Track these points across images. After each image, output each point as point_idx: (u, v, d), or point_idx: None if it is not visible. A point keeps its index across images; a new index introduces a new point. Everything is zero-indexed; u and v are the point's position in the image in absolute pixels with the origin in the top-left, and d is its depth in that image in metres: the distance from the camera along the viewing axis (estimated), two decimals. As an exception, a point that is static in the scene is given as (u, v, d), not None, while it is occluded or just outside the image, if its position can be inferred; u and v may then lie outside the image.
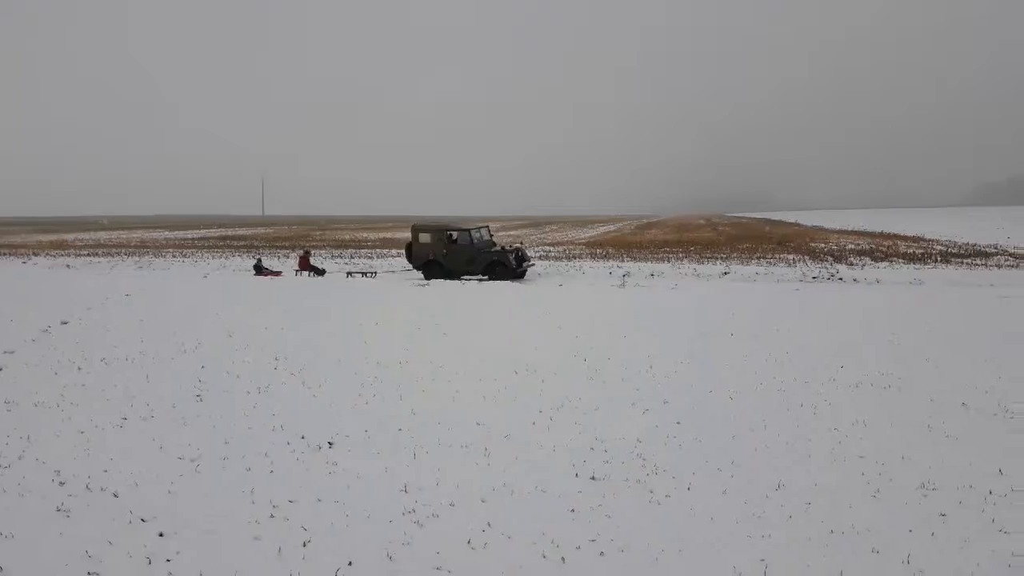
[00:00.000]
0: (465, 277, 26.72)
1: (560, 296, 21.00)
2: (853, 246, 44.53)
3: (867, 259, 34.36)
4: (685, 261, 35.49)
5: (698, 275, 28.32)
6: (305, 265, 29.43)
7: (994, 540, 5.47)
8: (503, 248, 27.55)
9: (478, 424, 8.23)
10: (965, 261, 32.92)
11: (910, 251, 39.50)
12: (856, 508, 6.01)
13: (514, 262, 26.49)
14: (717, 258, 37.05)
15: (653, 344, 13.03)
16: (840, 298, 20.31)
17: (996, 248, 40.83)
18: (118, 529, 5.59)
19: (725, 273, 29.01)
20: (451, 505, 6.05)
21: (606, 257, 38.98)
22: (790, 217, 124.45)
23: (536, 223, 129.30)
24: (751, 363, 11.42)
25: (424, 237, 26.88)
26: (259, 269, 29.51)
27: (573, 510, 5.96)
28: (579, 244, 53.96)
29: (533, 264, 29.55)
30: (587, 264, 34.55)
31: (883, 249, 41.31)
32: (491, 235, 28.50)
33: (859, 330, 14.67)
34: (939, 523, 5.76)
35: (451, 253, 26.54)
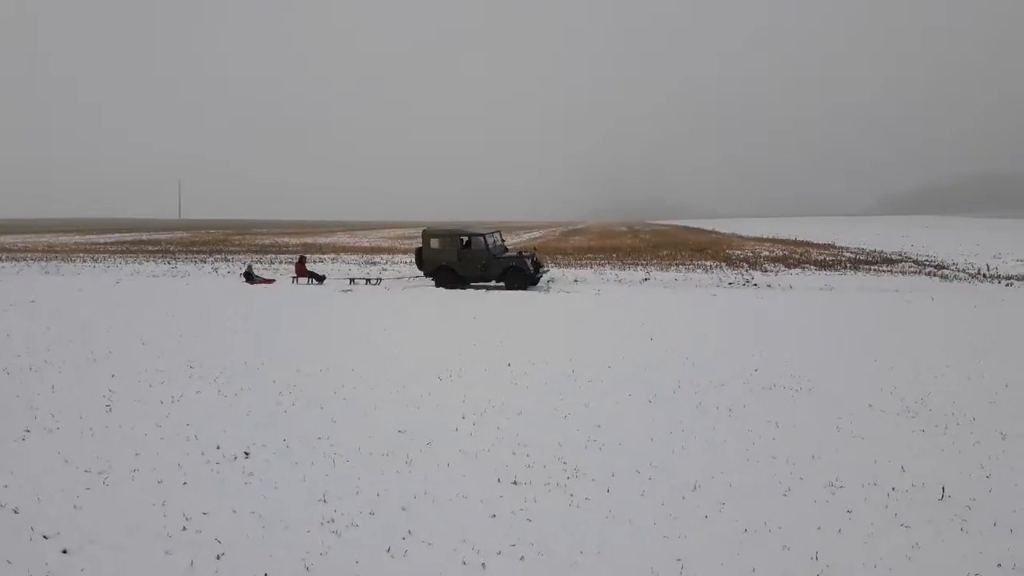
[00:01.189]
0: (473, 284, 25.73)
1: (485, 301, 21.02)
2: (767, 253, 45.95)
3: (781, 266, 35.50)
4: (607, 267, 35.99)
5: (620, 281, 28.75)
6: (303, 271, 28.02)
7: (897, 535, 5.72)
8: (519, 253, 26.54)
9: (400, 432, 8.17)
10: (872, 267, 34.37)
11: (821, 258, 41.01)
12: (768, 507, 6.21)
13: (531, 268, 25.56)
14: (638, 264, 37.69)
15: (575, 349, 13.17)
16: (755, 304, 20.93)
17: (901, 255, 42.77)
18: (18, 546, 5.33)
19: (645, 279, 29.54)
20: (371, 514, 5.98)
21: (530, 263, 39.17)
22: (708, 225, 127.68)
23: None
24: (670, 367, 11.66)
25: (436, 242, 25.64)
26: (250, 277, 27.50)
27: (494, 515, 5.97)
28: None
29: (548, 271, 28.03)
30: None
31: (796, 256, 42.77)
32: (503, 240, 27.45)
33: (772, 334, 15.15)
34: (846, 520, 5.99)
35: (465, 259, 25.36)
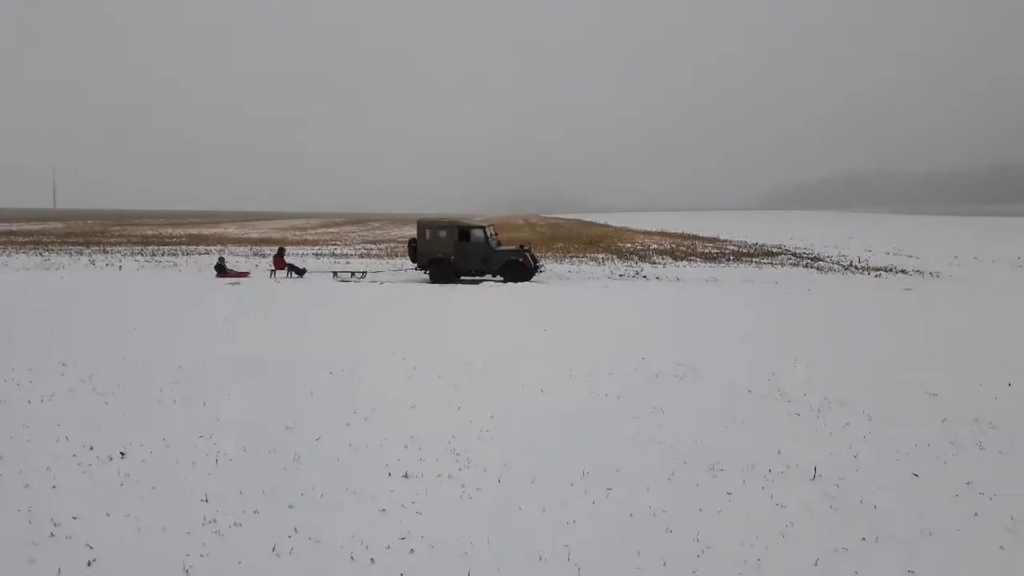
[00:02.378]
0: (466, 278, 24.94)
1: (379, 294, 20.77)
2: (656, 246, 47.32)
3: (669, 258, 36.63)
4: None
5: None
6: (281, 264, 26.32)
7: (773, 514, 6.00)
8: (520, 247, 25.90)
9: (288, 428, 7.97)
10: (755, 260, 35.93)
11: (707, 251, 42.56)
12: (653, 491, 6.39)
13: (531, 262, 25.00)
14: (534, 257, 38.09)
15: (470, 340, 13.18)
16: (644, 295, 21.52)
17: (781, 248, 44.87)
18: None
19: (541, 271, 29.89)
20: (256, 512, 5.81)
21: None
22: (601, 219, 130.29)
23: (359, 220, 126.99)
24: (561, 356, 11.83)
25: (432, 234, 24.73)
26: (221, 270, 25.95)
27: (384, 510, 5.91)
28: (402, 242, 53.58)
29: (543, 268, 27.06)
30: (409, 262, 34.38)
31: (683, 249, 44.23)
32: (496, 234, 26.61)
33: (660, 324, 15.62)
34: (726, 501, 6.24)
35: (463, 252, 24.56)
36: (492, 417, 8.45)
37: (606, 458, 7.17)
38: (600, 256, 38.11)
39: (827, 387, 10.08)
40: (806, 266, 32.52)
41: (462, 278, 24.95)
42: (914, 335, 14.55)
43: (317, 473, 6.68)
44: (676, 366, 11.28)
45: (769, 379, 10.53)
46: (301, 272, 26.22)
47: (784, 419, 8.63)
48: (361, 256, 38.08)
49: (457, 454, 7.22)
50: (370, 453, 7.23)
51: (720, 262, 34.63)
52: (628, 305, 18.91)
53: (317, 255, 37.79)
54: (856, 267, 32.11)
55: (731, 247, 45.92)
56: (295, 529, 5.52)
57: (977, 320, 16.97)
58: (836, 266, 32.59)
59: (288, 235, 64.13)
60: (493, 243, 25.11)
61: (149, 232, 66.03)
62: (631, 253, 40.56)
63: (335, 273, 26.41)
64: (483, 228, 25.10)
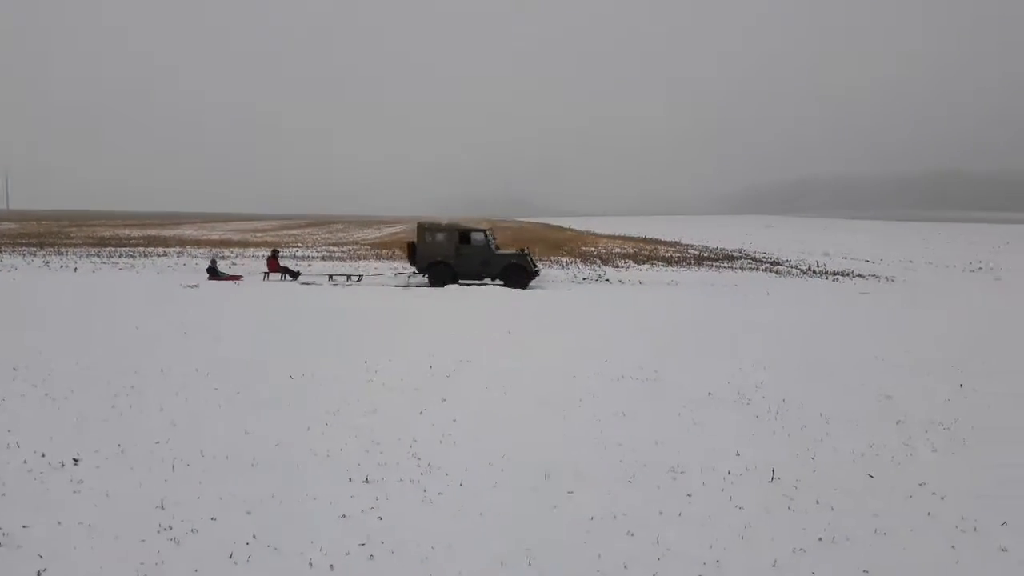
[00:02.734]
0: (463, 281, 24.70)
1: (342, 296, 20.59)
2: (619, 250, 47.62)
3: (631, 262, 36.90)
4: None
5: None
6: (275, 267, 25.90)
7: (732, 516, 6.06)
8: (522, 251, 25.70)
9: (246, 433, 7.85)
10: (715, 264, 36.35)
11: (669, 255, 42.96)
12: (614, 494, 6.43)
13: (532, 265, 24.86)
14: (498, 260, 38.09)
15: (433, 344, 13.12)
16: (606, 298, 21.64)
17: (741, 252, 45.47)
18: None
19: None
20: (212, 519, 5.72)
21: (391, 258, 38.78)
22: (565, 222, 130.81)
23: (321, 222, 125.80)
24: (525, 360, 11.84)
25: (432, 236, 24.56)
26: (213, 272, 25.32)
27: (344, 516, 5.85)
28: (364, 245, 53.23)
29: (539, 272, 26.64)
30: (372, 264, 34.17)
31: (646, 253, 44.57)
32: (495, 237, 26.41)
33: (622, 327, 15.71)
34: (686, 503, 6.30)
35: (464, 255, 24.45)
36: (455, 421, 8.43)
37: (568, 461, 7.18)
38: (564, 260, 38.25)
39: (785, 390, 10.22)
40: (765, 270, 33.00)
41: (459, 281, 24.80)
42: (870, 338, 14.83)
43: (276, 479, 6.59)
44: (638, 369, 11.36)
45: (729, 382, 10.65)
46: (295, 275, 25.93)
47: (743, 421, 8.74)
48: (323, 259, 37.75)
49: (419, 458, 7.19)
50: (330, 458, 7.16)
51: (681, 266, 34.97)
52: (591, 308, 19.00)
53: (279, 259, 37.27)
54: (814, 271, 32.66)
55: (692, 251, 46.40)
56: (253, 536, 5.44)
57: (930, 323, 17.36)
58: (794, 270, 33.11)
59: (248, 237, 63.32)
60: (493, 247, 25.05)
61: (107, 233, 64.72)
62: (594, 257, 40.78)
63: (331, 276, 26.16)
64: (484, 231, 25.07)
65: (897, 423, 8.76)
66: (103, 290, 21.33)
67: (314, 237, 66.83)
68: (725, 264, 36.27)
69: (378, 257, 39.95)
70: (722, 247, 51.13)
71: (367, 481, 6.58)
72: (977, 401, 9.84)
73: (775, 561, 5.28)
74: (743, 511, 6.16)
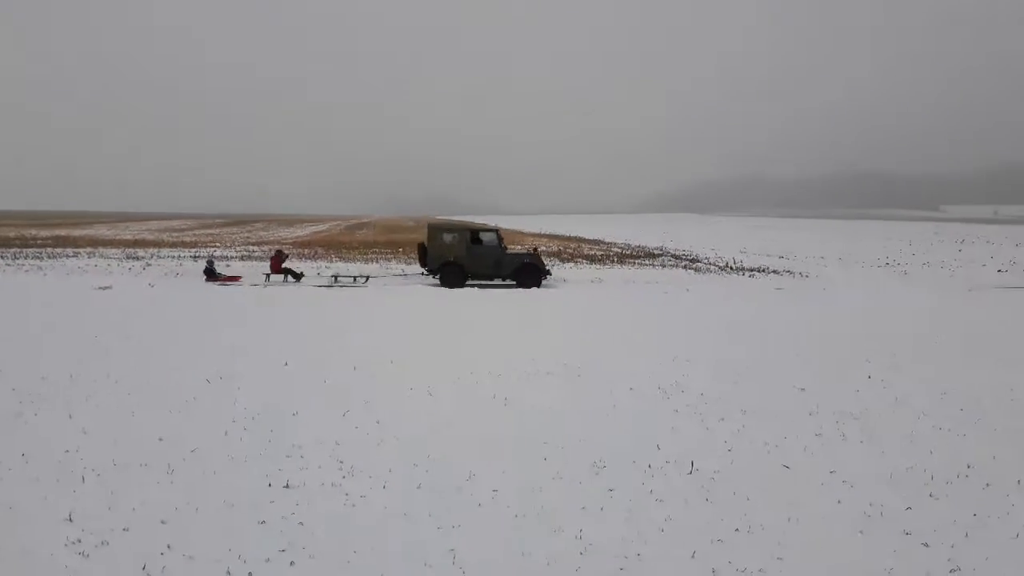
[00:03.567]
0: (464, 282, 24.46)
1: (264, 297, 20.13)
2: (544, 248, 47.99)
3: (556, 260, 37.22)
4: (394, 261, 35.85)
5: (405, 276, 28.76)
6: (278, 268, 25.26)
7: (652, 509, 6.19)
8: (534, 250, 25.62)
9: (161, 439, 7.61)
10: (637, 261, 37.00)
11: (592, 253, 43.52)
12: (539, 491, 6.47)
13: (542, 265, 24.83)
14: (423, 259, 37.86)
15: (358, 344, 12.95)
16: (531, 296, 21.76)
17: (662, 250, 46.41)
18: None
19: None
20: (125, 530, 5.52)
21: (315, 257, 38.14)
22: (493, 221, 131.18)
23: (241, 221, 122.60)
24: (450, 359, 11.81)
25: (445, 237, 24.45)
26: (211, 273, 24.61)
27: (263, 521, 5.73)
28: (286, 244, 52.17)
29: (551, 272, 26.76)
30: (294, 265, 33.50)
31: (570, 251, 45.06)
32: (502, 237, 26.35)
33: (548, 325, 15.84)
34: (607, 498, 6.39)
35: (475, 255, 24.40)
36: (378, 423, 8.35)
37: (492, 460, 7.20)
38: (489, 258, 38.28)
39: (704, 383, 10.48)
40: (685, 267, 33.76)
41: (468, 282, 24.83)
42: (785, 332, 15.33)
43: (192, 486, 6.41)
44: (563, 366, 11.46)
45: (650, 376, 10.85)
46: (298, 276, 25.37)
47: (664, 415, 8.91)
48: (242, 259, 36.84)
49: (341, 462, 7.09)
50: (249, 464, 7.00)
51: (605, 263, 35.46)
52: (516, 306, 19.08)
53: (195, 258, 36.25)
54: (732, 268, 33.58)
55: (615, 249, 47.10)
56: (168, 546, 5.28)
57: (841, 317, 18.05)
58: (713, 267, 33.98)
59: (164, 236, 61.32)
60: (503, 247, 25.17)
61: (11, 234, 61.68)
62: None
63: (336, 277, 25.72)
64: (495, 231, 25.21)
65: (810, 414, 9.08)
66: (6, 292, 20.31)
67: (233, 236, 65.16)
68: (647, 262, 36.95)
69: (301, 256, 39.24)
70: (644, 245, 52.07)
71: (288, 486, 6.46)
72: (884, 391, 10.28)
73: (694, 552, 5.41)
74: (664, 504, 6.29)
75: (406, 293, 21.94)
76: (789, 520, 5.98)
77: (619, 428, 8.37)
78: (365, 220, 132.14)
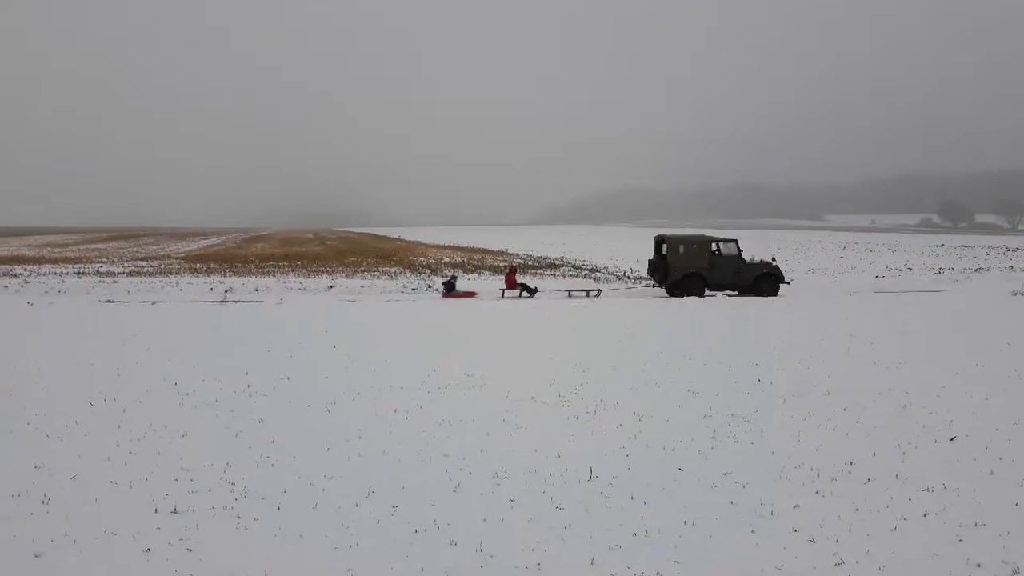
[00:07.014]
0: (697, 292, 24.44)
1: (151, 315, 19.30)
2: (448, 259, 47.94)
3: (460, 271, 37.23)
4: (292, 275, 35.03)
5: (304, 289, 28.16)
6: (512, 283, 25.54)
7: (553, 517, 6.21)
8: (773, 260, 25.77)
9: (37, 467, 7.15)
10: (539, 272, 37.41)
11: (496, 264, 43.74)
12: (439, 505, 6.41)
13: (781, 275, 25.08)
14: (324, 272, 37.18)
15: (251, 361, 12.57)
16: (434, 307, 21.70)
17: (563, 260, 47.11)
18: None
19: (331, 287, 29.26)
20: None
21: (208, 272, 36.85)
22: (394, 232, 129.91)
23: (128, 235, 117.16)
24: (350, 372, 11.61)
25: (684, 249, 24.64)
26: (450, 288, 25.65)
27: (149, 549, 5.45)
28: (177, 258, 50.21)
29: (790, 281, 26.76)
30: (185, 280, 32.27)
31: (474, 262, 45.16)
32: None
33: (449, 336, 15.80)
34: (508, 508, 6.38)
35: (716, 266, 24.59)
36: (273, 442, 8.10)
37: (392, 475, 7.09)
38: (393, 270, 37.97)
39: (602, 390, 10.64)
40: (585, 276, 34.36)
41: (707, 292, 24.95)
42: (680, 337, 15.79)
43: (70, 516, 6.03)
44: (465, 377, 11.43)
45: (551, 385, 10.94)
46: (532, 292, 25.42)
47: (563, 423, 9.00)
48: (130, 274, 35.22)
49: (233, 484, 6.83)
50: (134, 490, 6.65)
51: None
52: (419, 318, 18.96)
53: (79, 274, 34.44)
54: (629, 276, 34.39)
55: (518, 260, 47.48)
56: None
57: (730, 321, 18.73)
58: (611, 276, 34.72)
59: (45, 252, 58.00)
60: (743, 257, 25.38)
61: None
62: (424, 267, 40.77)
63: (569, 293, 25.87)
64: (735, 241, 25.43)
65: (704, 417, 9.34)
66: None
67: (121, 251, 62.25)
68: (549, 272, 37.40)
69: (192, 271, 37.83)
70: (545, 255, 52.70)
71: (175, 511, 6.16)
72: (772, 393, 10.69)
73: (593, 559, 5.45)
74: (563, 511, 6.32)
75: (645, 305, 21.82)
76: (685, 523, 6.11)
77: (520, 437, 8.38)
78: (262, 233, 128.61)
